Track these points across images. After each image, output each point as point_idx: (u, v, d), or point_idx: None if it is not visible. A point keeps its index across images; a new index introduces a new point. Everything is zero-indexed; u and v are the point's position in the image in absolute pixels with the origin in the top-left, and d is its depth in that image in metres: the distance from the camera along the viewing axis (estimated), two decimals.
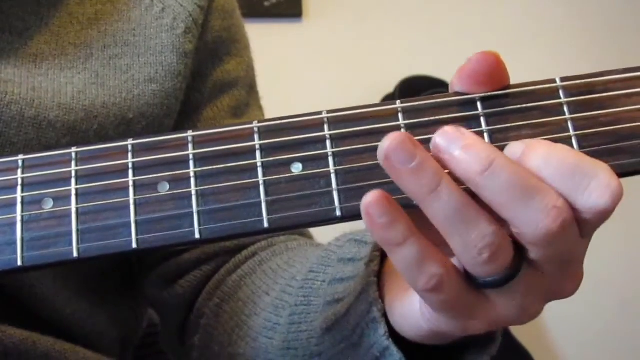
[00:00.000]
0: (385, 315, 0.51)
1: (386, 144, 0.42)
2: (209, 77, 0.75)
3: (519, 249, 0.44)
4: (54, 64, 0.65)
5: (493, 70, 0.46)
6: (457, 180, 0.43)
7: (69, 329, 0.67)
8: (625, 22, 2.28)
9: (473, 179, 0.42)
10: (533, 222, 0.42)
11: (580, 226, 0.43)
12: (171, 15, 0.71)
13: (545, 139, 0.45)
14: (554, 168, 0.42)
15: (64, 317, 0.67)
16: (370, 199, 0.42)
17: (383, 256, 0.54)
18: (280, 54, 2.08)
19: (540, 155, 0.43)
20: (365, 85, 2.14)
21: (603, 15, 2.28)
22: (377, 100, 2.17)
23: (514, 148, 0.44)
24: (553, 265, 0.44)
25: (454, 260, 0.45)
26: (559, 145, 0.43)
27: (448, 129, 0.43)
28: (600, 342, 2.17)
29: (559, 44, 2.25)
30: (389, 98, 2.18)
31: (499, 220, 0.43)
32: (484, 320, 0.46)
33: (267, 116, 0.82)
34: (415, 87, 2.16)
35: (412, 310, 0.48)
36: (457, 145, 0.42)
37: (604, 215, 0.42)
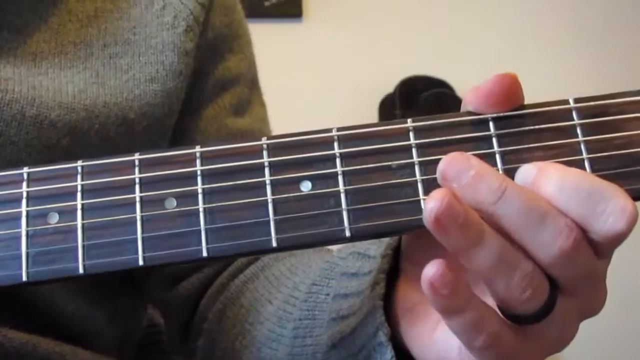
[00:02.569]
0: (392, 338, 0.51)
1: (434, 206, 0.41)
2: (210, 75, 0.74)
3: (551, 280, 0.44)
4: (54, 62, 0.64)
5: (510, 92, 0.46)
6: None
7: (69, 328, 0.66)
8: (627, 22, 2.28)
9: (486, 209, 0.42)
10: (547, 244, 0.42)
11: (595, 248, 0.43)
12: (172, 13, 0.70)
13: (558, 162, 0.45)
14: (568, 194, 0.42)
15: (66, 314, 0.66)
16: (433, 272, 0.42)
17: (389, 278, 0.53)
18: (280, 54, 2.08)
19: (554, 181, 0.43)
20: (365, 85, 2.14)
21: (604, 16, 2.28)
22: (377, 102, 2.17)
23: (526, 171, 0.44)
24: (579, 285, 0.44)
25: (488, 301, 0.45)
26: (572, 169, 0.43)
27: (455, 156, 0.43)
28: (600, 342, 2.17)
29: (559, 43, 2.25)
30: (388, 98, 2.18)
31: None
32: (532, 358, 0.46)
33: (269, 115, 0.81)
34: (415, 87, 2.16)
35: (449, 356, 0.47)
36: (467, 174, 0.42)
37: (619, 238, 0.42)
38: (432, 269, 0.42)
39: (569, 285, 0.44)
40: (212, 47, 0.74)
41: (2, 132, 0.60)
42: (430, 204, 0.41)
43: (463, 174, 0.42)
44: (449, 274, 0.42)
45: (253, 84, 0.80)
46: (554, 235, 0.42)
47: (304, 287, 0.63)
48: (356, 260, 0.58)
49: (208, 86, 0.74)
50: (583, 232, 0.43)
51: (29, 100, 0.61)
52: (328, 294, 0.60)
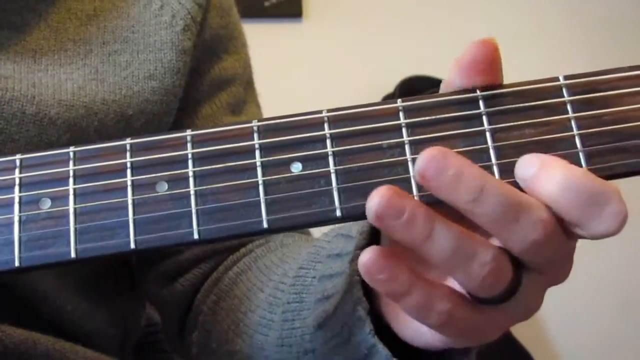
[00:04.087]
0: (370, 312, 0.51)
1: (374, 203, 0.41)
2: (206, 75, 0.75)
3: (516, 261, 0.44)
4: (53, 59, 0.65)
5: (492, 57, 0.45)
6: (447, 206, 0.42)
7: (69, 328, 0.67)
8: (626, 21, 2.28)
9: (463, 207, 0.42)
10: (522, 237, 0.42)
11: (573, 235, 0.43)
12: (170, 12, 0.71)
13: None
14: (571, 193, 0.42)
15: (64, 314, 0.67)
16: (366, 258, 0.42)
17: None
18: (280, 54, 2.08)
19: (557, 178, 0.42)
20: (365, 85, 2.14)
21: (603, 15, 2.28)
22: (377, 101, 2.17)
23: (528, 162, 0.43)
24: (547, 265, 0.44)
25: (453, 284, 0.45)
26: (574, 167, 0.43)
27: (433, 155, 0.42)
28: (600, 342, 2.16)
29: (559, 43, 2.25)
30: (389, 98, 2.18)
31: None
32: (495, 329, 0.46)
33: (267, 115, 0.82)
34: (415, 87, 2.16)
35: (422, 331, 0.48)
36: (445, 174, 0.41)
37: (607, 237, 0.42)
38: (365, 256, 0.42)
39: (537, 267, 0.44)
40: (208, 47, 0.75)
41: (3, 129, 0.60)
42: (370, 202, 0.41)
43: (441, 174, 0.41)
44: (383, 260, 0.42)
45: (248, 85, 0.81)
46: (529, 229, 0.42)
47: (292, 272, 0.64)
48: (340, 242, 0.58)
49: (204, 85, 0.75)
50: (568, 225, 0.42)
51: (29, 98, 0.61)
52: (314, 277, 0.60)
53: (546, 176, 0.42)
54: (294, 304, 0.61)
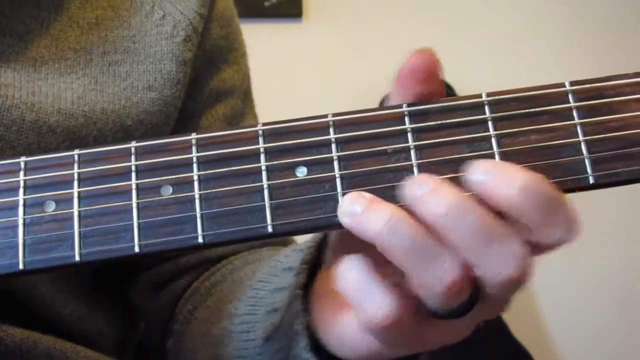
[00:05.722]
0: (309, 327, 0.51)
1: (340, 208, 0.44)
2: (205, 86, 0.75)
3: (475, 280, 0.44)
4: (54, 68, 0.65)
5: (431, 66, 0.46)
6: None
7: (69, 329, 0.67)
8: (627, 21, 2.28)
9: (438, 221, 0.42)
10: (496, 267, 0.42)
11: (536, 252, 0.44)
12: (171, 22, 0.71)
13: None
14: (530, 197, 0.42)
15: (63, 317, 0.67)
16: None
17: (316, 268, 0.54)
18: (280, 54, 2.08)
19: (517, 182, 0.42)
20: (365, 85, 2.14)
21: (604, 15, 2.28)
22: (377, 101, 2.17)
23: (483, 170, 0.43)
24: (504, 296, 0.45)
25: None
26: (532, 173, 0.43)
27: (418, 176, 0.44)
28: (600, 342, 2.17)
29: (559, 43, 2.25)
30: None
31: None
32: (430, 344, 0.47)
33: (267, 117, 0.82)
34: None
35: (348, 333, 0.47)
36: (424, 189, 0.43)
37: (560, 246, 0.43)
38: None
39: (498, 297, 0.44)
40: (208, 58, 0.75)
41: (2, 137, 0.60)
42: (340, 207, 0.44)
43: (421, 189, 0.43)
44: None
45: (246, 96, 0.80)
46: (504, 263, 0.42)
47: (253, 284, 0.64)
48: (297, 256, 0.58)
49: (203, 96, 0.75)
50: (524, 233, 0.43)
51: (29, 106, 0.61)
52: (269, 290, 0.61)
53: (506, 180, 0.42)
54: (249, 315, 0.62)
